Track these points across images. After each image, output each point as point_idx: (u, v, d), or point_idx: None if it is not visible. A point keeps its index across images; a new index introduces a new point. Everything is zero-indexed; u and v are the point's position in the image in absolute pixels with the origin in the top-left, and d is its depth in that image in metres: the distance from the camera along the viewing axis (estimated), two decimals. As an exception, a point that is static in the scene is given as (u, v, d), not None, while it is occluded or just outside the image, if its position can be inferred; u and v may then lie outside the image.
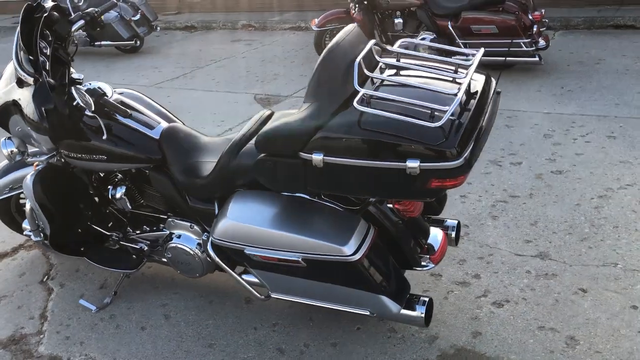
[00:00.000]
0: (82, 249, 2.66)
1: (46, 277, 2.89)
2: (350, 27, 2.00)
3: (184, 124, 2.58)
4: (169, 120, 2.53)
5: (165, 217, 2.49)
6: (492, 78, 2.08)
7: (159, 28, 8.17)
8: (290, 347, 2.29)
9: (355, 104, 1.73)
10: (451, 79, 1.87)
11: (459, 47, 5.27)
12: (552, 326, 2.26)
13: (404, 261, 2.16)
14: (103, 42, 7.61)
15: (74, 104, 2.24)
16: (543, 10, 5.41)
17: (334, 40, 1.90)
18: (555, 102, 4.62)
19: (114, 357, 2.32)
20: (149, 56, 7.61)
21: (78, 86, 2.34)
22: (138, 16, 7.59)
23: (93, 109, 2.20)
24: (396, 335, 2.29)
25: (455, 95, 1.72)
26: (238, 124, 4.70)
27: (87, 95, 2.22)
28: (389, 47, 2.05)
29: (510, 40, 5.08)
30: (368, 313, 2.02)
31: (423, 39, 5.51)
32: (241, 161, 2.12)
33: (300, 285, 2.07)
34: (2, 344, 2.46)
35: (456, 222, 2.43)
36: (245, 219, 2.02)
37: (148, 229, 2.57)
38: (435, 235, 2.25)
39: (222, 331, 2.40)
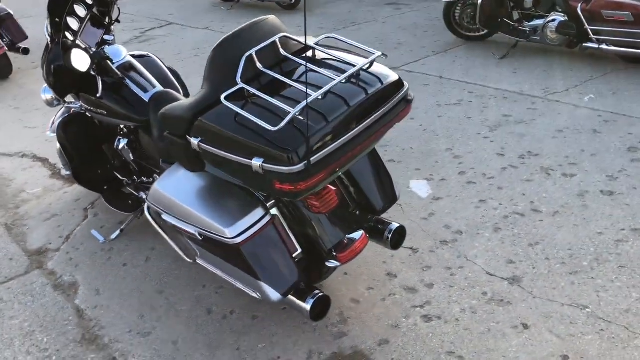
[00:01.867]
0: (105, 187, 3.11)
1: (90, 205, 3.41)
2: (264, 18, 2.02)
3: (184, 91, 2.82)
4: (170, 86, 2.78)
5: (158, 171, 2.80)
6: (403, 83, 1.97)
7: (316, -14, 8.44)
8: (219, 310, 2.48)
9: (222, 97, 1.80)
10: (345, 80, 1.84)
11: (587, 34, 4.72)
12: (461, 354, 2.13)
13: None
14: (265, -2, 8.13)
15: (70, 64, 2.59)
16: None
17: (237, 28, 1.96)
18: (678, 111, 3.94)
19: (89, 283, 2.74)
20: (301, 14, 7.94)
21: (98, 50, 2.70)
22: (296, -27, 7.93)
23: (84, 70, 2.54)
24: (312, 323, 2.35)
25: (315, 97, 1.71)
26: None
27: (82, 56, 2.55)
28: (301, 40, 2.02)
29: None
30: (256, 296, 2.12)
31: (553, 20, 5.00)
32: None
33: (210, 257, 2.23)
34: (30, 252, 3.03)
35: (397, 226, 2.35)
36: (166, 187, 2.23)
37: (145, 179, 2.91)
38: (358, 234, 2.22)
39: (178, 282, 2.68)
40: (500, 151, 3.60)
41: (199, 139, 1.89)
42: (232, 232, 1.99)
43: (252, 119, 1.71)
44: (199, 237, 2.12)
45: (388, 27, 6.82)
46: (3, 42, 5.77)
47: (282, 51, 1.96)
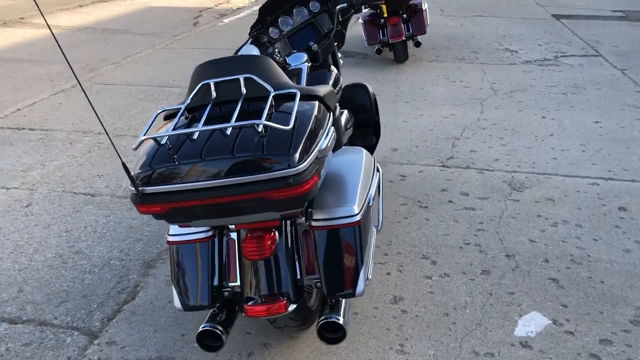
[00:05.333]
0: None
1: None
2: (257, 55, 2.02)
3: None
4: None
5: None
6: (291, 162, 1.70)
7: None
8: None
9: (163, 111, 1.99)
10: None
11: None
12: None
13: None
14: None
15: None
16: None
17: (222, 57, 2.04)
18: None
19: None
20: None
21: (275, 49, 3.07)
22: None
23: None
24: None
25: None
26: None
27: (252, 51, 2.96)
28: (265, 87, 1.93)
29: None
30: None
31: None
32: None
33: None
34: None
35: (334, 321, 2.03)
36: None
37: None
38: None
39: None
40: None
41: None
42: (171, 230, 2.20)
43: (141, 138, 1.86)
44: None
45: None
46: (407, 32, 6.53)
47: (243, 90, 1.96)
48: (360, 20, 6.72)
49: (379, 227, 2.59)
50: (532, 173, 3.92)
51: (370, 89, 3.35)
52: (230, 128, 1.78)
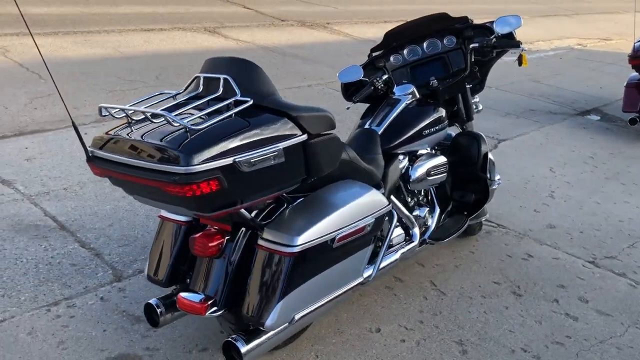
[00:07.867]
0: None
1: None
2: (251, 63, 1.98)
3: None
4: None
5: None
6: (186, 161, 1.66)
7: None
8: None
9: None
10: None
11: None
12: None
13: None
14: None
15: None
16: None
17: (227, 56, 2.06)
18: None
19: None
20: None
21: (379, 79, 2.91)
22: None
23: (341, 80, 2.89)
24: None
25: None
26: None
27: (356, 71, 2.87)
28: (235, 90, 1.89)
29: None
30: None
31: None
32: None
33: None
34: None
35: (235, 343, 1.94)
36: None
37: None
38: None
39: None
40: None
41: None
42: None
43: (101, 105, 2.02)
44: None
45: None
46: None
47: (220, 89, 1.96)
48: (625, 82, 5.82)
49: (370, 279, 2.33)
50: None
51: (484, 144, 2.94)
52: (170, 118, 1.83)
